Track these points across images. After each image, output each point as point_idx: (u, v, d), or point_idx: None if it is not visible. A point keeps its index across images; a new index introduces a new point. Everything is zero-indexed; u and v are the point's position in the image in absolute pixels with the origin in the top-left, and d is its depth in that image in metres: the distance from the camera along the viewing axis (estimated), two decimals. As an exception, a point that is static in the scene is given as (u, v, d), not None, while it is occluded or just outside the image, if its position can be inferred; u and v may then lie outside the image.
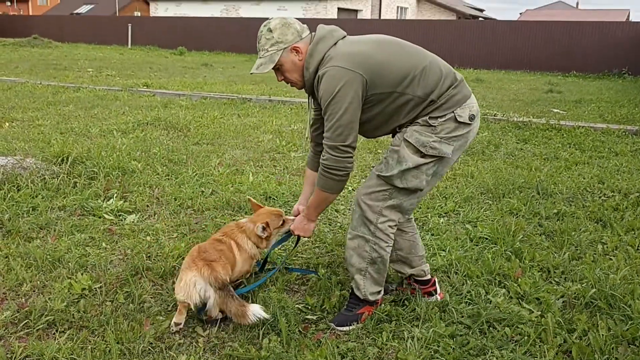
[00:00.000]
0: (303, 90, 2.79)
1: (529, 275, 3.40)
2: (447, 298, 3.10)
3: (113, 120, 8.16)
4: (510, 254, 3.72)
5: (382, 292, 2.95)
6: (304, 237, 3.00)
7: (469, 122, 2.66)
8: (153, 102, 10.24)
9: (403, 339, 2.72)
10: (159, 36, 31.24)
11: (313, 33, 2.72)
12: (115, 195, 4.66)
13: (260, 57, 2.66)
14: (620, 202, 4.91)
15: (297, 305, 2.98)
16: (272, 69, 2.67)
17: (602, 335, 2.72)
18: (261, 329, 2.74)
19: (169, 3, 34.40)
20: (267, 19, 2.64)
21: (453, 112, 2.63)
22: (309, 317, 2.92)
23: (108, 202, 4.47)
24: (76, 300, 2.99)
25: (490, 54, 23.43)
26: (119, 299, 3.01)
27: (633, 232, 4.22)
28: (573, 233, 4.13)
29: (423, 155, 2.63)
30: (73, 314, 2.83)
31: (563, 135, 8.11)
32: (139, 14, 48.14)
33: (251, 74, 2.75)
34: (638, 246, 3.94)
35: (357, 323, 2.83)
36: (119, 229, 4.04)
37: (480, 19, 37.49)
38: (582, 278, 3.37)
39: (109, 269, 3.35)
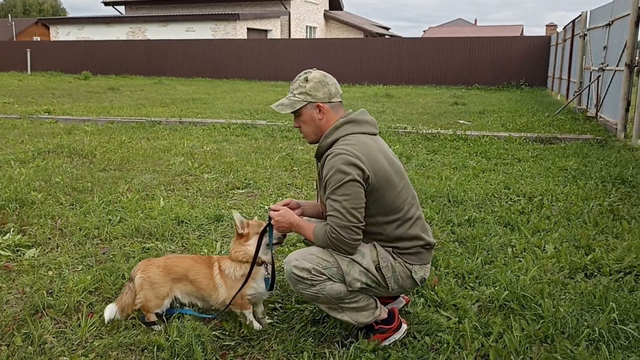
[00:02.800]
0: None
1: (445, 282, 3.45)
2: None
3: (10, 149, 7.65)
4: (426, 262, 3.76)
5: (377, 307, 2.75)
6: (275, 226, 2.79)
7: (418, 283, 2.73)
8: (55, 129, 9.72)
9: (325, 357, 2.66)
10: (61, 61, 29.96)
11: (350, 110, 2.78)
12: (12, 229, 4.32)
13: (286, 97, 2.75)
14: (526, 205, 5.13)
15: (213, 332, 2.85)
16: (292, 113, 2.75)
17: (517, 336, 2.78)
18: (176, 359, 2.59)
19: (71, 27, 33.05)
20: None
21: (412, 265, 2.69)
22: (226, 343, 2.80)
23: (4, 237, 4.13)
24: (-34, 347, 2.71)
25: (397, 70, 24.20)
26: (16, 342, 2.75)
27: (539, 234, 4.40)
28: (484, 238, 4.25)
29: (377, 268, 2.62)
30: (-38, 364, 2.56)
31: (470, 144, 8.43)
32: (39, 39, 46.04)
33: (270, 107, 2.82)
34: (544, 247, 4.11)
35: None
36: (16, 265, 3.73)
37: (386, 36, 38.72)
38: (495, 281, 3.46)
39: (4, 310, 3.07)
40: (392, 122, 11.00)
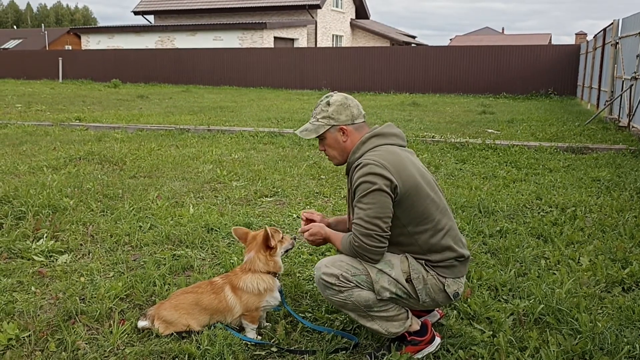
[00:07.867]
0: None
1: (477, 294, 3.39)
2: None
3: (43, 156, 7.79)
4: (458, 274, 3.70)
5: (408, 318, 2.70)
6: (310, 241, 2.86)
7: (451, 298, 2.67)
8: (86, 136, 9.89)
9: (356, 369, 2.63)
10: (91, 69, 30.51)
11: (377, 126, 2.78)
12: (45, 235, 4.39)
13: (309, 123, 2.79)
14: (558, 216, 5.02)
15: (244, 341, 2.84)
16: (316, 137, 2.78)
17: (554, 351, 2.71)
18: (207, 369, 2.58)
19: (101, 36, 33.69)
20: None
21: (445, 278, 2.64)
22: (257, 352, 2.79)
23: (38, 243, 4.20)
24: (1, 352, 2.74)
25: (424, 79, 24.07)
26: (50, 348, 2.78)
27: (572, 246, 4.30)
28: (517, 250, 4.17)
29: (408, 279, 2.59)
30: (-2, 368, 2.59)
31: (499, 154, 8.32)
32: (70, 48, 47.02)
33: (294, 132, 2.88)
34: (578, 259, 4.01)
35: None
36: (50, 270, 3.78)
37: (413, 45, 38.59)
38: (529, 294, 3.38)
39: (38, 315, 3.11)
40: (419, 130, 10.92)
